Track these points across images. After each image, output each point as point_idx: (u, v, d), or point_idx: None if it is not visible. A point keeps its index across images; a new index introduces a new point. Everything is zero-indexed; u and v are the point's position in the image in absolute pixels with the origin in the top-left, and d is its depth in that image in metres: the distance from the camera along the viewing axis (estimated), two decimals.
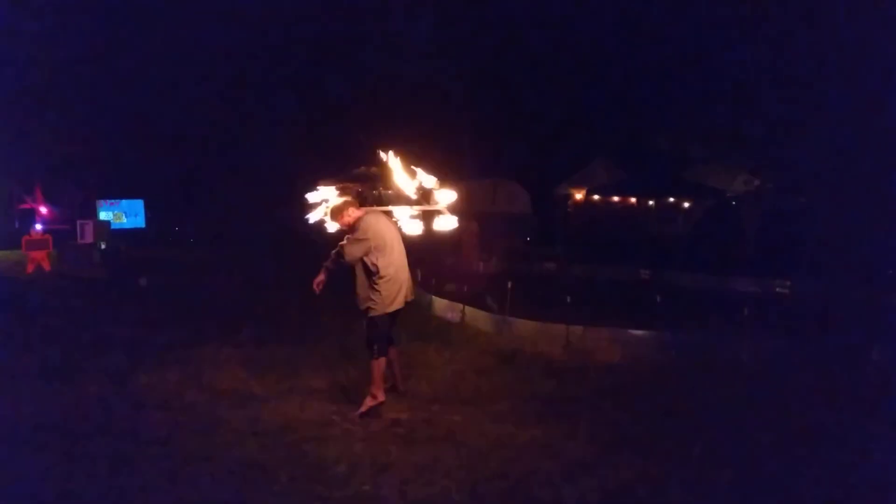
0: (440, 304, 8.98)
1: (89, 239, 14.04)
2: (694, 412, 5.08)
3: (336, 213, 5.07)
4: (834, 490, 3.77)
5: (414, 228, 5.00)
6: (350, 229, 4.99)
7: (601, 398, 5.39)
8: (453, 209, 5.00)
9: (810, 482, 3.85)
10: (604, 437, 4.54)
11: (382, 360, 4.97)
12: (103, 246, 13.74)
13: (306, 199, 5.23)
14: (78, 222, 14.70)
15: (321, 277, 5.04)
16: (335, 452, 4.18)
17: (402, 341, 6.72)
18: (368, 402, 4.88)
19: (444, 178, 5.08)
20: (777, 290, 12.13)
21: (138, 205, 21.74)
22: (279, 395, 5.35)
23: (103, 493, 3.61)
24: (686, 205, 19.40)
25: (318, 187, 5.24)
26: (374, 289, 4.90)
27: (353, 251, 4.89)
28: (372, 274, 4.90)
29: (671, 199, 19.33)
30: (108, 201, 21.09)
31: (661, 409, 5.15)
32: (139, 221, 21.45)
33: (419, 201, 4.98)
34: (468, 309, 8.41)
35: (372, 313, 4.92)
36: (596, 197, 20.24)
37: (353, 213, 5.03)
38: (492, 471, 3.95)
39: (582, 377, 5.99)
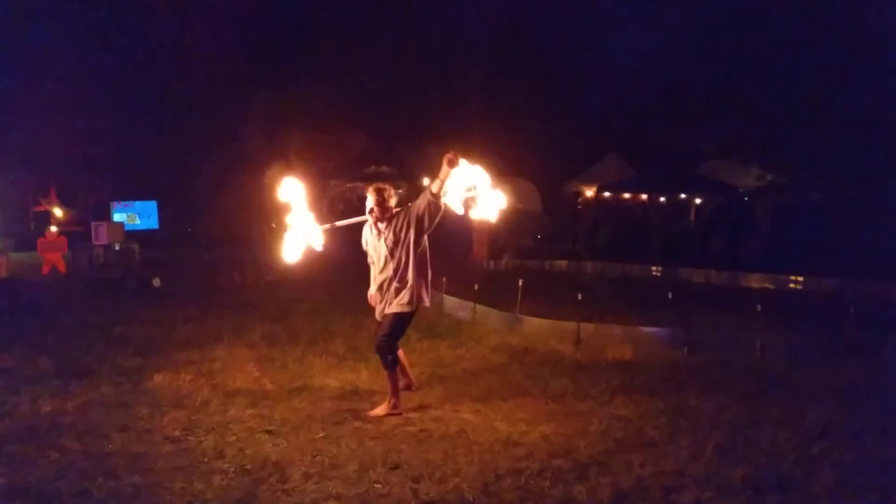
0: (451, 302, 8.99)
1: (104, 240, 14.16)
2: (706, 409, 5.06)
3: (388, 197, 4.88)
4: (848, 488, 3.75)
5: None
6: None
7: (613, 396, 5.38)
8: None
9: (824, 480, 3.83)
10: (616, 435, 4.53)
11: (398, 369, 4.99)
12: (117, 247, 13.85)
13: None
14: (92, 224, 14.81)
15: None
16: (347, 450, 4.21)
17: (412, 340, 6.76)
18: (387, 409, 4.88)
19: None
20: (790, 285, 12.05)
21: (151, 206, 21.87)
22: (291, 393, 5.38)
23: (118, 492, 3.65)
24: (698, 201, 19.27)
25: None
26: (426, 282, 4.91)
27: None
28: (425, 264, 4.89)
29: (683, 196, 19.19)
30: (122, 203, 21.24)
31: (674, 406, 5.13)
32: (152, 222, 21.58)
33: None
34: (479, 307, 8.42)
35: (409, 308, 4.86)
36: (607, 194, 20.14)
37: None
38: (504, 469, 3.96)
39: (594, 374, 5.98)
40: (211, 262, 14.58)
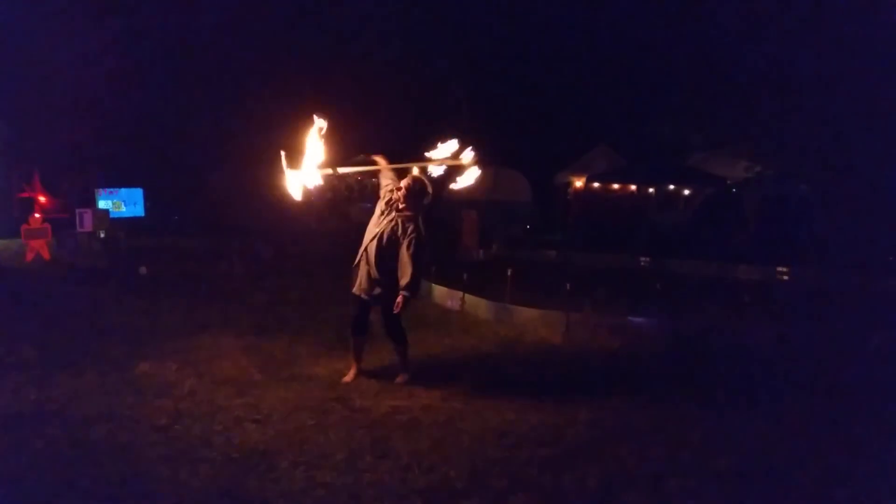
0: (440, 292, 8.97)
1: (88, 227, 13.98)
2: (694, 399, 5.09)
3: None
4: (836, 480, 3.77)
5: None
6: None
7: (601, 385, 5.40)
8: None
9: (812, 472, 3.86)
10: (604, 424, 4.54)
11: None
12: (102, 234, 13.70)
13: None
14: (77, 211, 14.61)
15: None
16: (335, 439, 4.19)
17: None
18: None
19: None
20: (777, 276, 12.13)
21: (137, 193, 21.63)
22: (279, 382, 5.35)
23: (104, 481, 3.61)
24: (686, 192, 19.34)
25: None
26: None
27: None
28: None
29: (671, 187, 19.26)
30: (107, 190, 20.97)
31: (662, 396, 5.16)
32: (138, 210, 21.35)
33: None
34: (468, 297, 8.41)
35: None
36: (596, 184, 20.16)
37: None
38: (493, 458, 3.96)
39: (582, 364, 6.00)
40: (198, 251, 14.44)
